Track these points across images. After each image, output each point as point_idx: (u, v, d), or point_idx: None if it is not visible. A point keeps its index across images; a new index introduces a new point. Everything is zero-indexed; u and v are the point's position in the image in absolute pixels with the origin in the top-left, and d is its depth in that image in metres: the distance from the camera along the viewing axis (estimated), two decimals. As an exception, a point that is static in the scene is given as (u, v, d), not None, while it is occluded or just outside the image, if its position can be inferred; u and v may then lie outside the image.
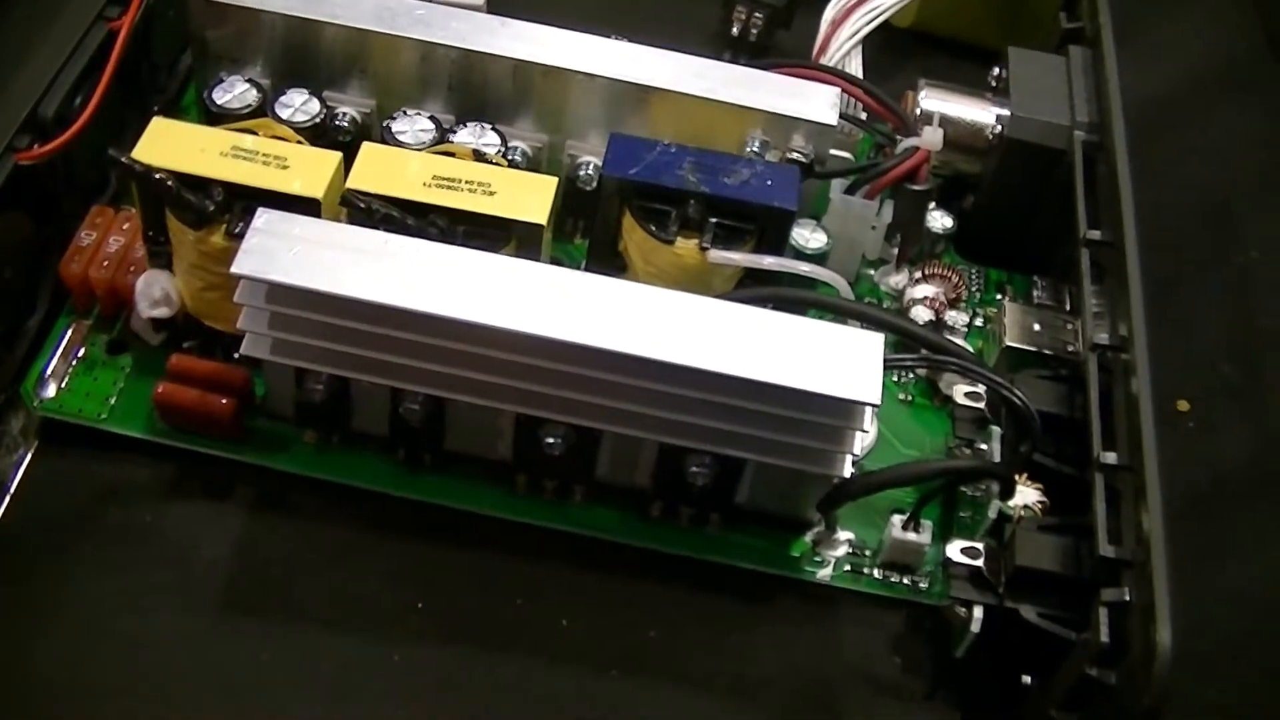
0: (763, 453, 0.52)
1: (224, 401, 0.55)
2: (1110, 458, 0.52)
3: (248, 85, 0.59)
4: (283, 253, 0.50)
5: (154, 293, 0.56)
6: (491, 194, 0.54)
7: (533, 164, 0.61)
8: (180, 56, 0.65)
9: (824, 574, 0.56)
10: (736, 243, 0.56)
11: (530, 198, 0.54)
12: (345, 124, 0.60)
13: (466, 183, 0.54)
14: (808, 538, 0.57)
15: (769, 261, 0.56)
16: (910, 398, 0.62)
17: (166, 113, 0.63)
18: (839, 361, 0.50)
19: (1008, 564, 0.53)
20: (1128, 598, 0.48)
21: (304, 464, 0.56)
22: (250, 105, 0.59)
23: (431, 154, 0.57)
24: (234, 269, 0.50)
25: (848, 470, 0.53)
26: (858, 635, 0.56)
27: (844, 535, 0.57)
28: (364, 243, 0.51)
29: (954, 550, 0.54)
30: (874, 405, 0.50)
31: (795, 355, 0.50)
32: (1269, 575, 0.58)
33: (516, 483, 0.56)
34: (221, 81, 0.59)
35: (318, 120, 0.59)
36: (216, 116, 0.59)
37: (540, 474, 0.55)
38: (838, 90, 0.61)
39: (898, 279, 0.64)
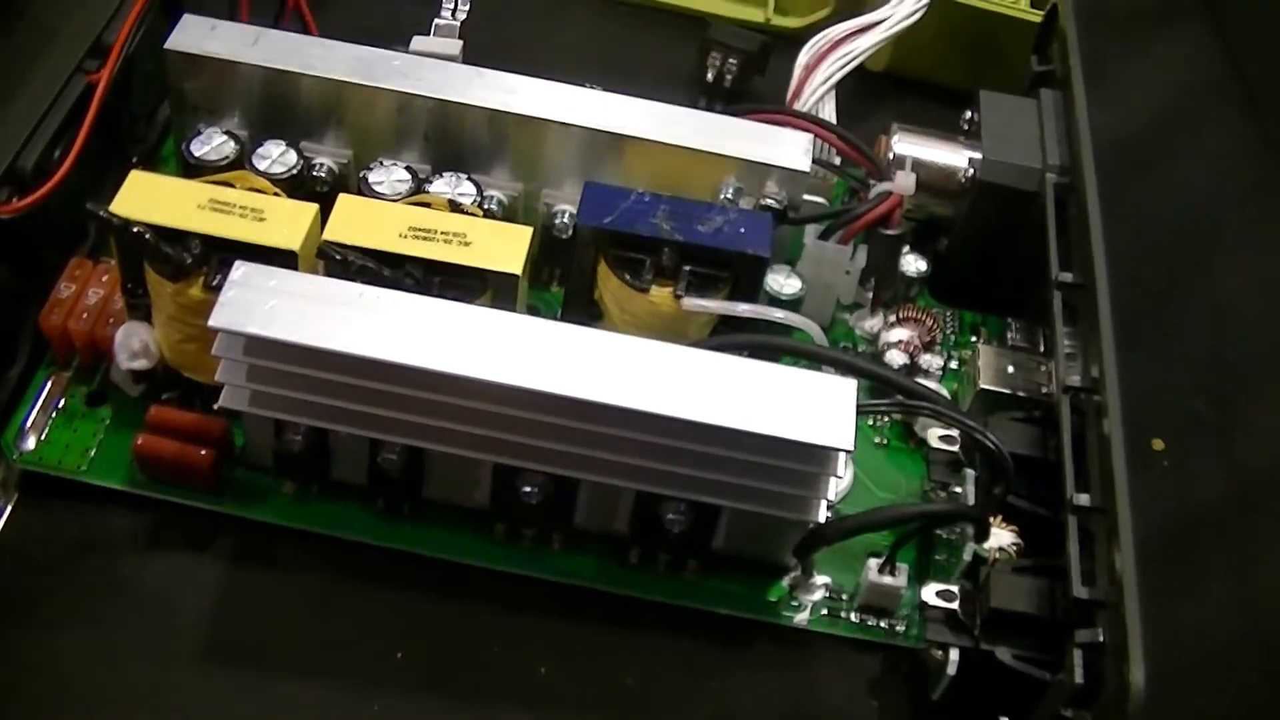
0: (738, 499, 0.53)
1: (203, 453, 0.55)
2: (1083, 499, 0.52)
3: (225, 137, 0.60)
4: (259, 305, 0.51)
5: (133, 344, 0.57)
6: (467, 244, 0.55)
7: (509, 213, 0.61)
8: (159, 108, 0.66)
9: (801, 618, 0.56)
10: (710, 290, 0.56)
11: (505, 248, 0.55)
12: (322, 174, 0.61)
13: (442, 233, 0.55)
14: (785, 582, 0.57)
15: (743, 308, 0.56)
16: (886, 441, 0.62)
17: (146, 164, 0.64)
18: (812, 408, 0.50)
19: (983, 606, 0.53)
20: (1101, 638, 0.49)
21: (283, 514, 0.56)
22: (228, 157, 0.59)
23: (407, 205, 0.57)
24: (211, 322, 0.50)
25: (823, 515, 0.53)
26: (835, 679, 0.56)
27: (821, 579, 0.57)
28: (340, 295, 0.51)
29: (929, 593, 0.54)
30: (847, 451, 0.50)
31: (768, 402, 0.50)
32: (1243, 613, 0.59)
33: (495, 531, 0.56)
34: (199, 134, 0.60)
35: (295, 171, 0.59)
36: (194, 168, 0.59)
37: (518, 522, 0.56)
38: (810, 136, 0.61)
39: (873, 323, 0.65)
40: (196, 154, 0.59)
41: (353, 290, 0.52)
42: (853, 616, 0.57)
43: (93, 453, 0.57)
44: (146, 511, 0.56)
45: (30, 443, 0.57)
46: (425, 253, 0.54)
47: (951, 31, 0.76)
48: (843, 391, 0.51)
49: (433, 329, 0.51)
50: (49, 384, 0.59)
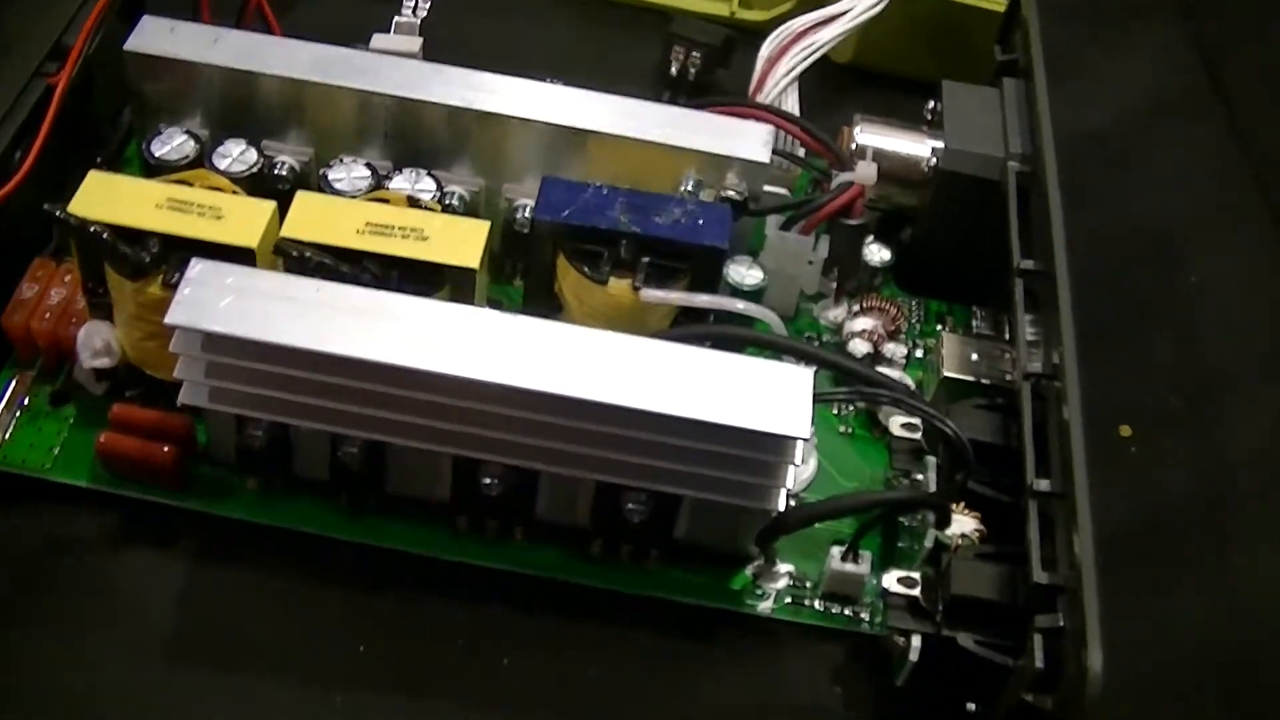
0: (697, 488, 0.53)
1: (165, 449, 0.55)
2: (1043, 485, 0.52)
3: (185, 137, 0.60)
4: (216, 302, 0.51)
5: (95, 343, 0.57)
6: (424, 239, 0.55)
7: (470, 208, 0.61)
8: (123, 110, 0.66)
9: (765, 607, 0.56)
10: (669, 281, 0.56)
11: (462, 242, 0.55)
12: (284, 173, 0.61)
13: (400, 229, 0.55)
14: (748, 571, 0.57)
15: (701, 299, 0.56)
16: (850, 430, 0.62)
17: (110, 165, 0.64)
18: (769, 397, 0.50)
19: (944, 593, 0.53)
20: (1061, 623, 0.49)
21: (247, 510, 0.57)
22: (188, 156, 0.60)
23: (366, 201, 0.58)
24: (168, 319, 0.50)
25: (782, 504, 0.53)
26: (800, 667, 0.56)
27: (784, 568, 0.57)
28: (296, 291, 0.52)
29: (891, 580, 0.54)
30: (803, 439, 0.50)
31: (726, 392, 0.50)
32: (1206, 598, 0.59)
33: (457, 524, 0.56)
34: (159, 134, 0.60)
35: (255, 170, 0.60)
36: (154, 168, 0.59)
37: (480, 515, 0.56)
38: (770, 128, 0.61)
39: (836, 313, 0.65)
40: (157, 154, 0.59)
41: (309, 286, 0.52)
42: (817, 604, 0.57)
43: (57, 451, 0.57)
44: (112, 509, 0.57)
45: (-6, 442, 0.57)
46: (383, 248, 0.54)
47: (916, 22, 0.76)
48: (800, 380, 0.51)
49: (390, 323, 0.51)
50: (13, 384, 0.59)
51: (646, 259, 0.56)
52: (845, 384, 0.57)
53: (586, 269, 0.56)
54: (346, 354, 0.50)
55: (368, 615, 0.55)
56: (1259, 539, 0.61)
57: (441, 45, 0.68)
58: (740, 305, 0.57)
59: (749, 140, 0.60)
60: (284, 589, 0.56)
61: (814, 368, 0.52)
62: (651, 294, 0.56)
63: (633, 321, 0.56)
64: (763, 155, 0.60)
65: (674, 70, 0.74)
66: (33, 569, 0.55)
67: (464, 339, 0.51)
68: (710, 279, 0.57)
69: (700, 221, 0.57)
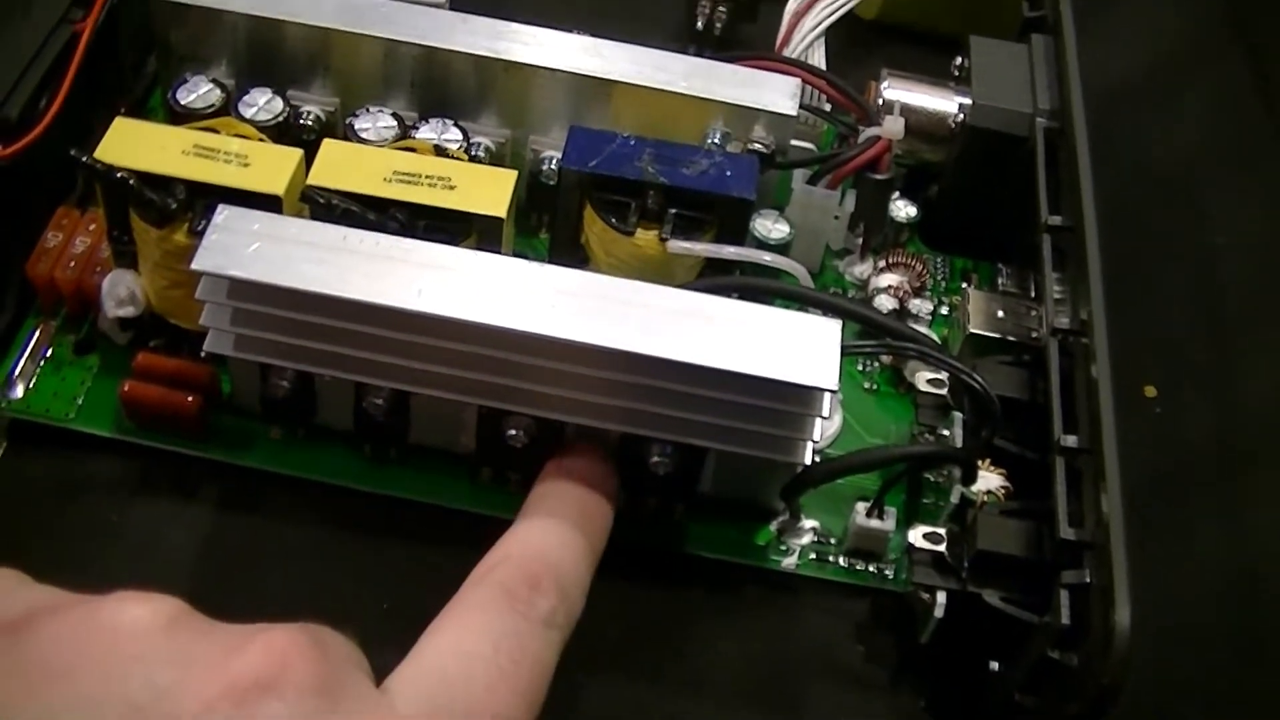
0: (723, 441, 0.52)
1: (189, 399, 0.55)
2: (1070, 441, 0.52)
3: (211, 85, 0.60)
4: (242, 248, 0.50)
5: (119, 292, 0.57)
6: (451, 188, 0.54)
7: (496, 159, 0.61)
8: (147, 58, 0.66)
9: (789, 562, 0.56)
10: (696, 233, 0.56)
11: (490, 191, 0.55)
12: (309, 122, 0.61)
13: (426, 178, 0.55)
14: (773, 526, 0.57)
15: (728, 251, 0.56)
16: (875, 386, 0.62)
17: (133, 113, 0.63)
18: (797, 348, 0.50)
19: (969, 549, 0.53)
20: (1088, 580, 0.48)
21: (270, 459, 0.57)
22: (214, 105, 0.59)
23: (392, 149, 0.57)
24: (194, 265, 0.50)
25: (809, 457, 0.53)
26: (823, 623, 0.56)
27: (809, 523, 0.57)
28: (323, 238, 0.51)
29: (916, 536, 0.54)
30: (831, 391, 0.50)
31: (754, 343, 0.50)
32: (1232, 555, 0.59)
33: (481, 475, 0.56)
34: (185, 81, 0.60)
35: (281, 119, 0.59)
36: (180, 116, 0.59)
37: (504, 466, 0.56)
38: (797, 81, 0.61)
39: (862, 268, 0.65)
40: (183, 102, 0.59)
41: (336, 233, 0.52)
42: (841, 560, 0.57)
43: (80, 401, 0.57)
44: (134, 458, 0.56)
45: (18, 391, 0.57)
46: (410, 196, 0.54)
47: (944, -22, 0.76)
48: (828, 332, 0.51)
49: (416, 271, 0.50)
50: (36, 333, 0.59)
51: (673, 210, 0.56)
52: (872, 338, 0.57)
53: (613, 219, 0.56)
54: (371, 300, 0.49)
55: (389, 568, 0.55)
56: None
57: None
58: (768, 257, 0.57)
59: (775, 92, 0.60)
60: (305, 540, 0.56)
61: (841, 320, 0.52)
62: (678, 245, 0.55)
63: (659, 272, 0.56)
64: (789, 108, 0.60)
65: (700, 24, 0.74)
66: (54, 515, 0.55)
67: (490, 287, 0.50)
68: (737, 231, 0.57)
69: (728, 173, 0.56)
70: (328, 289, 0.50)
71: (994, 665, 0.52)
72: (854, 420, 0.60)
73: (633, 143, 0.57)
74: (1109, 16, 0.68)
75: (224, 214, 0.51)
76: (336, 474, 0.56)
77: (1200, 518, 0.59)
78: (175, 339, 0.57)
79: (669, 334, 0.50)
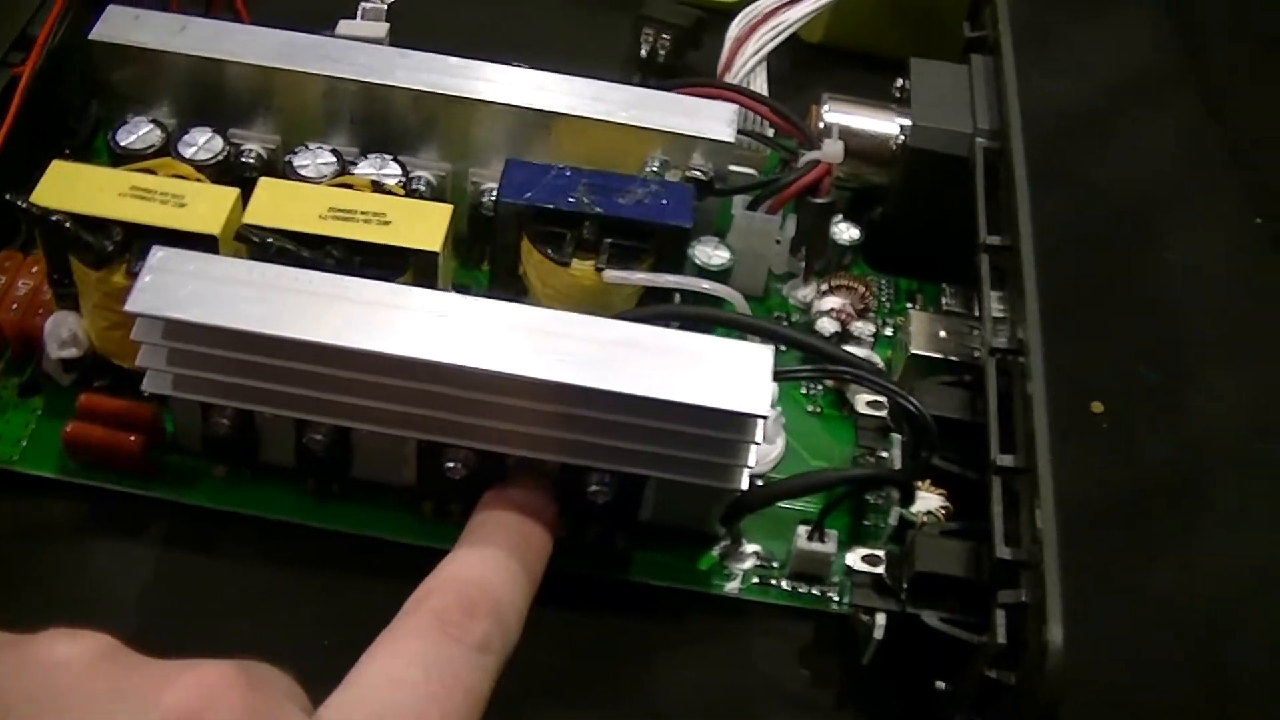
0: (660, 468, 0.53)
1: (132, 438, 0.55)
2: (1007, 460, 0.52)
3: (151, 125, 0.60)
4: (177, 289, 0.51)
5: (62, 334, 0.57)
6: (387, 223, 0.55)
7: (437, 193, 0.62)
8: (92, 100, 0.66)
9: (732, 587, 0.56)
10: (633, 262, 0.56)
11: (425, 226, 0.55)
12: (251, 160, 0.61)
13: (362, 214, 0.55)
14: (715, 552, 0.57)
15: (665, 280, 0.56)
16: (819, 409, 0.62)
17: (78, 156, 0.64)
18: (729, 375, 0.50)
19: (908, 570, 0.53)
20: (1024, 599, 0.49)
21: (215, 497, 0.57)
22: (154, 145, 0.59)
23: (329, 187, 0.58)
24: (127, 307, 0.50)
25: (745, 483, 0.53)
26: (767, 647, 0.56)
27: (751, 548, 0.57)
28: (258, 276, 0.52)
29: (854, 558, 0.54)
30: (762, 416, 0.50)
31: (686, 371, 0.50)
32: (1171, 571, 0.59)
33: (423, 509, 0.56)
34: (125, 123, 0.60)
35: (221, 158, 0.60)
36: (121, 158, 0.59)
37: (446, 499, 0.56)
38: (735, 107, 0.61)
39: (805, 292, 0.65)
40: (123, 143, 0.59)
41: (271, 272, 0.52)
42: (784, 584, 0.57)
43: (24, 443, 0.57)
44: (80, 499, 0.57)
45: (-37, 435, 0.57)
46: (345, 233, 0.54)
47: (888, 1, 0.76)
48: (759, 358, 0.51)
49: (351, 308, 0.51)
50: (-20, 376, 0.59)
51: (609, 239, 0.56)
52: (810, 362, 0.57)
53: (549, 251, 0.56)
54: (305, 339, 0.50)
55: (334, 601, 0.55)
56: (1227, 512, 0.61)
57: (410, 31, 0.68)
58: (705, 285, 0.57)
59: (714, 120, 0.60)
60: (251, 576, 0.56)
61: (774, 345, 0.52)
62: (614, 275, 0.56)
63: (597, 303, 0.56)
64: (727, 135, 0.60)
65: (644, 52, 0.74)
66: (1, 556, 0.55)
67: (425, 322, 0.51)
68: (675, 259, 0.57)
69: (664, 201, 0.57)
70: (261, 328, 0.50)
71: (940, 685, 0.52)
72: (797, 443, 0.60)
73: (568, 174, 0.57)
74: (1049, 35, 0.68)
75: (159, 255, 0.52)
76: (281, 510, 0.56)
77: (1144, 535, 0.60)
78: (119, 380, 0.57)
79: (600, 365, 0.50)
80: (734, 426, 0.51)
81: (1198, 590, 0.58)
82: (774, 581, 0.57)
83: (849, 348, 0.61)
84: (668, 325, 0.53)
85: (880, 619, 0.53)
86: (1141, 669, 0.56)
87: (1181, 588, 0.58)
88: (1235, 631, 0.57)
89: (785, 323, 0.64)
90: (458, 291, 0.60)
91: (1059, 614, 0.46)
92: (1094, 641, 0.52)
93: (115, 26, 0.61)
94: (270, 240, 0.54)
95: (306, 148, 0.60)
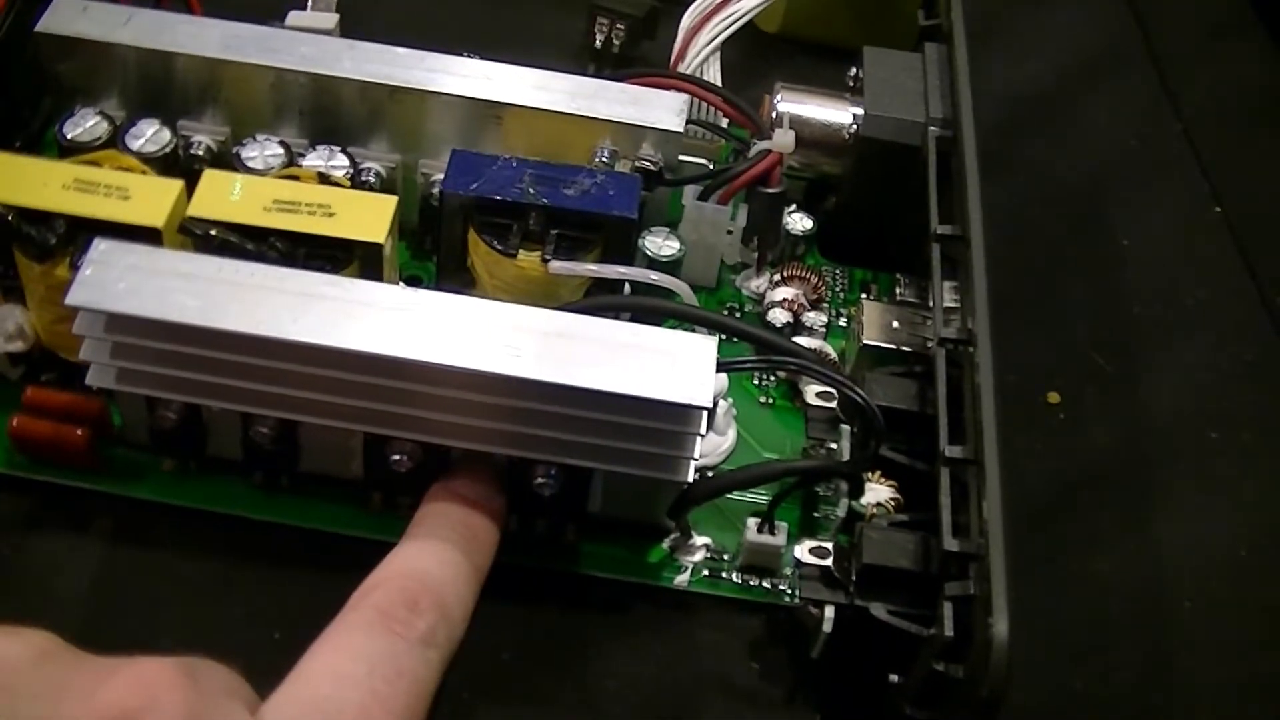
0: (605, 460, 0.52)
1: (79, 432, 0.55)
2: (955, 451, 0.52)
3: (98, 118, 0.60)
4: (118, 282, 0.50)
5: (8, 327, 0.57)
6: (331, 215, 0.54)
7: (387, 184, 0.61)
8: (43, 94, 0.65)
9: (682, 580, 0.56)
10: (580, 253, 0.56)
11: (369, 218, 0.55)
12: (200, 152, 0.61)
13: (306, 205, 0.55)
14: (665, 544, 0.57)
15: (609, 270, 0.56)
16: (771, 400, 0.62)
17: (30, 148, 0.64)
18: (672, 366, 0.50)
19: (856, 562, 0.53)
20: (971, 591, 0.48)
21: (162, 491, 0.56)
22: (101, 137, 0.59)
23: (274, 178, 0.57)
24: (68, 300, 0.50)
25: (691, 475, 0.53)
26: (716, 641, 0.55)
27: (701, 540, 0.57)
28: (200, 269, 0.51)
29: (803, 551, 0.54)
30: (705, 408, 0.50)
31: (629, 362, 0.50)
32: (1134, 561, 0.59)
33: (371, 501, 0.56)
34: (72, 115, 0.60)
35: (168, 150, 0.59)
36: (67, 150, 0.59)
37: (393, 491, 0.56)
38: (685, 97, 0.61)
39: (758, 283, 0.64)
40: (69, 135, 0.59)
41: (213, 264, 0.51)
42: (735, 577, 0.56)
43: (-30, 438, 0.57)
44: (28, 493, 0.56)
45: (-91, 431, 0.57)
46: (289, 225, 0.54)
47: (844, -10, 0.76)
48: (703, 350, 0.51)
49: (293, 300, 0.50)
50: (-73, 372, 0.58)
51: (555, 231, 0.56)
52: (759, 353, 0.57)
53: (495, 242, 0.56)
54: (245, 331, 0.50)
55: (283, 594, 0.55)
56: (1179, 501, 0.61)
57: (360, 22, 0.68)
58: (654, 276, 0.57)
59: (663, 110, 0.60)
60: (199, 570, 0.55)
61: (718, 336, 0.52)
62: (560, 266, 0.55)
63: (544, 294, 0.56)
64: (676, 125, 0.60)
65: (598, 43, 0.74)
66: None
67: (369, 314, 0.50)
68: (623, 249, 0.57)
69: (610, 192, 0.56)
70: (202, 320, 0.50)
71: (893, 678, 0.52)
72: (748, 435, 0.60)
73: (514, 165, 0.57)
74: (1002, 23, 0.68)
75: (100, 248, 0.51)
76: (229, 504, 0.56)
77: (1095, 526, 0.60)
78: (67, 373, 0.57)
79: (544, 356, 0.50)
80: (677, 418, 0.51)
81: (1147, 579, 0.58)
82: (724, 574, 0.56)
83: (801, 338, 0.61)
84: (617, 317, 0.53)
85: (829, 612, 0.53)
86: (1086, 659, 0.56)
87: (1130, 577, 0.58)
88: (1183, 621, 0.57)
89: (737, 314, 0.64)
90: (410, 283, 0.60)
91: (1005, 607, 0.46)
92: (1037, 634, 0.52)
93: (62, 18, 0.60)
94: (214, 233, 0.54)
95: (255, 139, 0.60)
